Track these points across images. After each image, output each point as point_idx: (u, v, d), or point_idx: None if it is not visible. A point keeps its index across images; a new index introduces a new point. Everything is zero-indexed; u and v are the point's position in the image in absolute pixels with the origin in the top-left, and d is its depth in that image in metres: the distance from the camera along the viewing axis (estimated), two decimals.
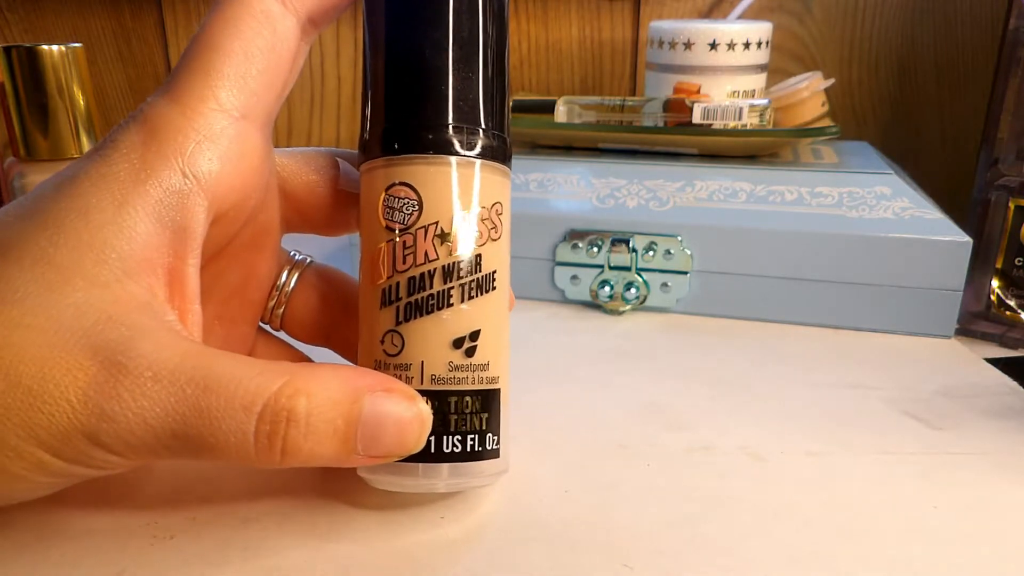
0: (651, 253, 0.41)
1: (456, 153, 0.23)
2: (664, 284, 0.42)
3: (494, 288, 0.24)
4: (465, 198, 0.23)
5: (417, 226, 0.23)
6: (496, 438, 0.24)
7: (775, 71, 0.58)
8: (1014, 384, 0.35)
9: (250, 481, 0.27)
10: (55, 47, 0.40)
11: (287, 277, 0.28)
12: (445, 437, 0.23)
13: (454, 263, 0.23)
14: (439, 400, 0.23)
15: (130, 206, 0.21)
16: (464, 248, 0.23)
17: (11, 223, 0.21)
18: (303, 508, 0.25)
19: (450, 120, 0.23)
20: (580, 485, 0.27)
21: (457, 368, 0.23)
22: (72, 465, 0.20)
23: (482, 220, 0.23)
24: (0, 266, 0.20)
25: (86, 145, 0.40)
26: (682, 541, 0.24)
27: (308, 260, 0.29)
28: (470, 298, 0.23)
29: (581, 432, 0.30)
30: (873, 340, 0.39)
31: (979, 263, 0.40)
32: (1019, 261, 0.40)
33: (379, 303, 0.23)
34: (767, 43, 0.50)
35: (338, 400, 0.20)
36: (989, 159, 0.41)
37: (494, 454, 0.24)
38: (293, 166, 0.26)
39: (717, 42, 0.48)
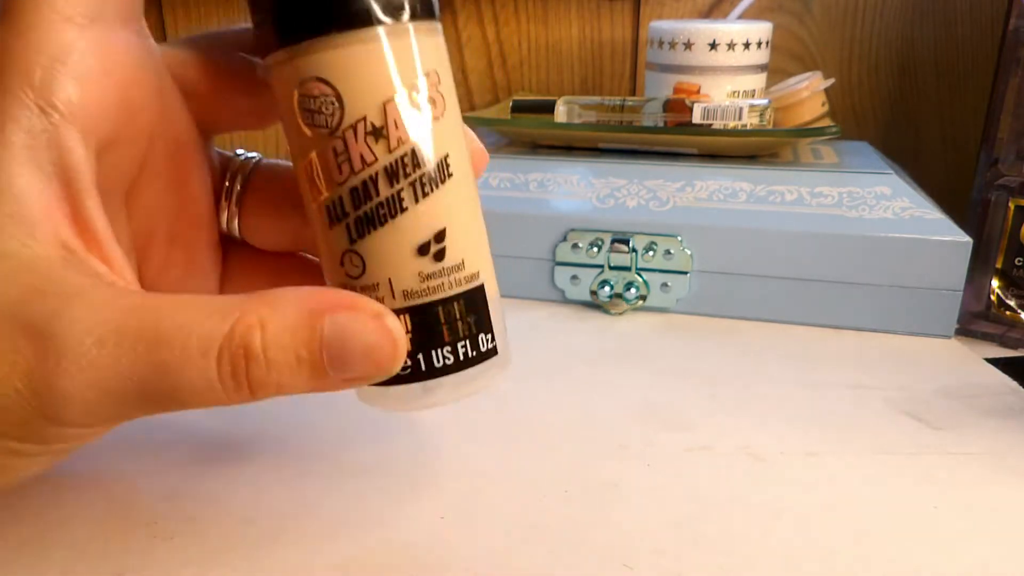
0: (651, 253, 0.41)
1: (370, 23, 0.19)
2: (664, 284, 0.42)
3: (450, 175, 0.20)
4: (392, 78, 0.19)
5: (343, 127, 0.19)
6: (490, 336, 0.22)
7: (775, 71, 0.58)
8: (1014, 384, 0.35)
9: (250, 481, 0.27)
10: None
11: (231, 182, 0.25)
12: (435, 352, 0.21)
13: (397, 160, 0.20)
14: (418, 315, 0.20)
15: (3, 167, 0.18)
16: (405, 139, 0.20)
17: None
18: (303, 508, 0.25)
19: None
20: (580, 485, 0.27)
21: (429, 277, 0.20)
22: (47, 444, 0.19)
23: (418, 100, 0.20)
24: None
25: None
26: (682, 541, 0.24)
27: (255, 159, 0.26)
28: (425, 195, 0.20)
29: (581, 432, 0.30)
30: (873, 340, 0.39)
31: (979, 263, 0.40)
32: (1019, 261, 0.40)
33: (327, 222, 0.21)
34: (767, 43, 0.50)
35: (295, 327, 0.19)
36: (989, 159, 0.41)
37: (491, 353, 0.22)
38: (183, 58, 0.23)
39: (717, 42, 0.48)
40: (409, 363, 0.21)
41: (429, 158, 0.20)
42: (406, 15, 0.19)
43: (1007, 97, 0.40)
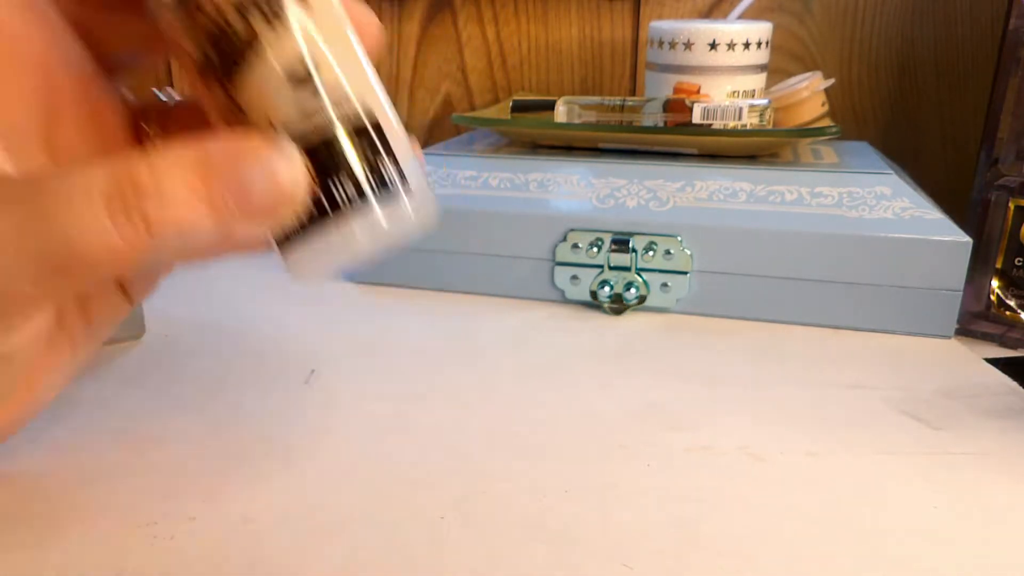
0: (651, 253, 0.41)
1: None
2: (664, 284, 0.42)
3: (304, 1, 0.19)
4: None
5: None
6: (395, 168, 0.20)
7: (775, 71, 0.58)
8: (1014, 384, 0.35)
9: (250, 481, 0.27)
10: None
11: (150, 122, 0.25)
12: (334, 186, 0.20)
13: None
14: (311, 154, 0.20)
15: None
16: None
17: None
18: (303, 508, 0.25)
19: None
20: (580, 485, 0.27)
21: (313, 113, 0.19)
22: None
23: None
24: None
25: None
26: (682, 541, 0.24)
27: (174, 98, 0.26)
28: (277, 17, 0.19)
29: (581, 432, 0.30)
30: (873, 340, 0.39)
31: (979, 263, 0.40)
32: (1019, 261, 0.40)
33: (204, 83, 0.20)
34: (767, 43, 0.50)
35: (183, 157, 0.18)
36: (989, 159, 0.41)
37: (403, 186, 0.21)
38: None
39: (717, 42, 0.48)
40: (312, 206, 0.20)
41: None
42: None
43: (1007, 97, 0.40)
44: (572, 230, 0.42)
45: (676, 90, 0.50)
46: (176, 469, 0.27)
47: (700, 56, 0.49)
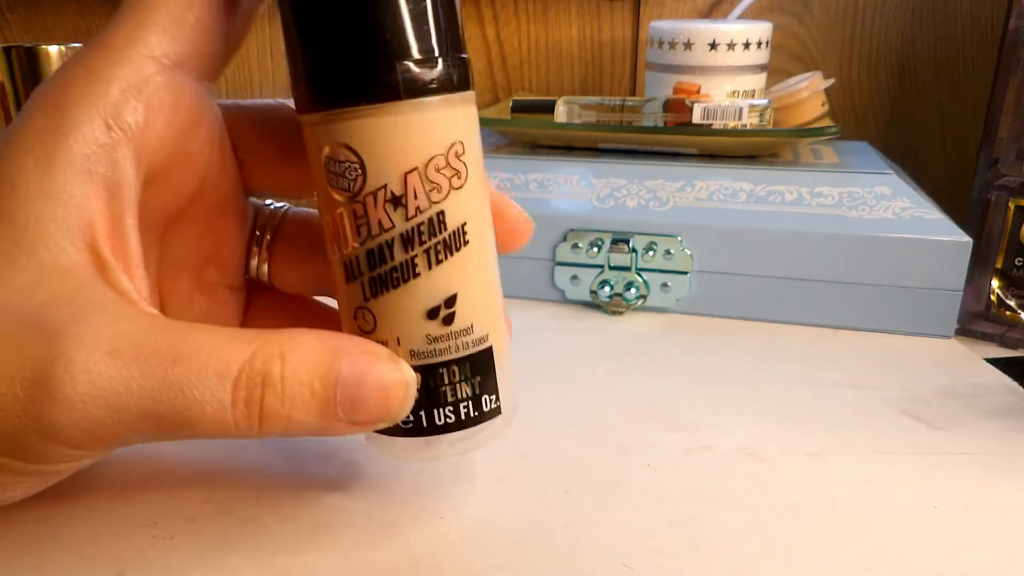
0: (651, 253, 0.41)
1: (396, 97, 0.19)
2: (664, 284, 0.42)
3: (466, 243, 0.21)
4: (415, 150, 0.20)
5: (364, 193, 0.20)
6: (493, 397, 0.22)
7: (775, 71, 0.58)
8: (1014, 384, 0.35)
9: (250, 481, 0.27)
10: (55, 47, 0.40)
11: (262, 231, 0.26)
12: (436, 411, 0.21)
13: (413, 228, 0.20)
14: (423, 374, 0.21)
15: (56, 168, 0.19)
16: (423, 208, 0.20)
17: None
18: (303, 508, 0.25)
19: (384, 55, 0.19)
20: (580, 485, 0.27)
21: (436, 340, 0.21)
22: (36, 463, 0.19)
23: (439, 170, 0.20)
24: None
25: None
26: (682, 541, 0.24)
27: (284, 208, 0.27)
28: (439, 262, 0.20)
29: (581, 432, 0.30)
30: (873, 340, 0.39)
31: (979, 263, 0.40)
32: (1019, 261, 0.40)
33: (344, 277, 0.21)
34: (767, 43, 0.50)
35: (315, 362, 0.19)
36: (989, 159, 0.41)
37: (494, 413, 0.22)
38: (241, 123, 0.24)
39: (717, 42, 0.48)
40: (411, 419, 0.22)
41: (445, 226, 0.20)
42: (435, 89, 0.19)
43: (1007, 97, 0.40)
44: (572, 230, 0.42)
45: (676, 90, 0.50)
46: (176, 469, 0.27)
47: (700, 56, 0.49)
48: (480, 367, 0.22)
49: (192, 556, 0.23)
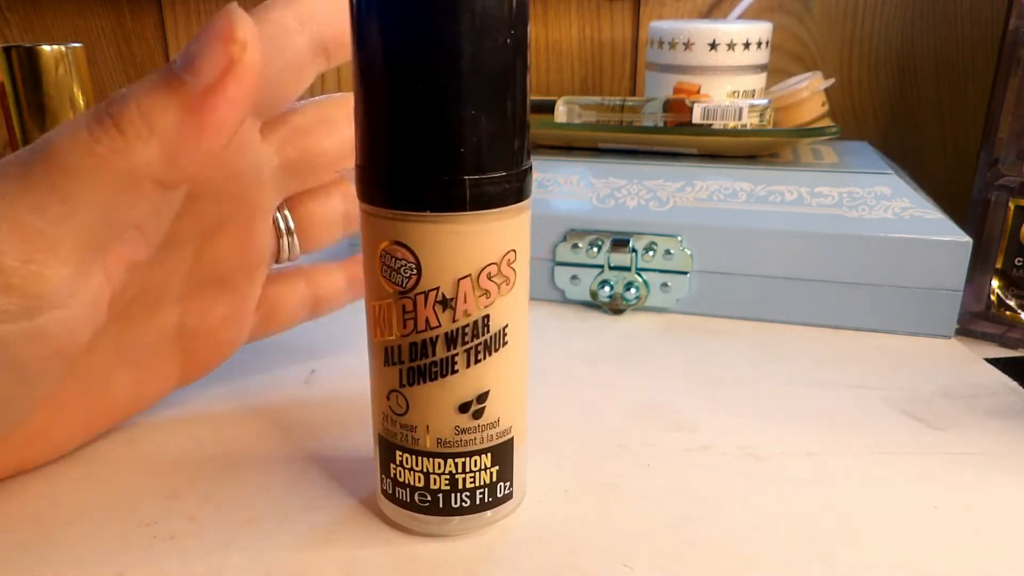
0: (651, 253, 0.41)
1: (461, 209, 0.20)
2: (664, 284, 0.42)
3: (505, 344, 0.22)
4: (471, 259, 0.20)
5: (416, 291, 0.21)
6: (508, 484, 0.23)
7: (775, 71, 0.58)
8: (1014, 384, 0.35)
9: (250, 481, 0.27)
10: (55, 47, 0.40)
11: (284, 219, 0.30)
12: (454, 495, 0.23)
13: (458, 329, 0.21)
14: (446, 461, 0.22)
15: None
16: (471, 312, 0.21)
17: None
18: (303, 508, 0.25)
19: (455, 170, 0.19)
20: (580, 485, 0.27)
21: (464, 431, 0.22)
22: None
23: (491, 277, 0.21)
24: None
25: None
26: (682, 541, 0.24)
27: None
28: (477, 362, 0.21)
29: (581, 432, 0.30)
30: (873, 340, 0.39)
31: (979, 263, 0.40)
32: (1019, 261, 0.40)
33: (383, 359, 0.22)
34: (767, 43, 0.50)
35: (155, 75, 0.20)
36: (989, 159, 0.41)
37: (506, 499, 0.24)
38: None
39: (717, 42, 0.48)
40: (429, 498, 0.23)
41: (488, 329, 0.21)
42: (497, 203, 0.20)
43: (1007, 97, 0.40)
44: (572, 230, 0.42)
45: (676, 90, 0.50)
46: (177, 469, 0.27)
47: (700, 56, 0.49)
48: (500, 457, 0.23)
49: (192, 556, 0.23)
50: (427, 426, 0.22)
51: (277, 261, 0.30)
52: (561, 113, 0.48)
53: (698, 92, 0.49)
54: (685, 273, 0.41)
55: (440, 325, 0.21)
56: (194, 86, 0.20)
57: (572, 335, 0.40)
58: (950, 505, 0.26)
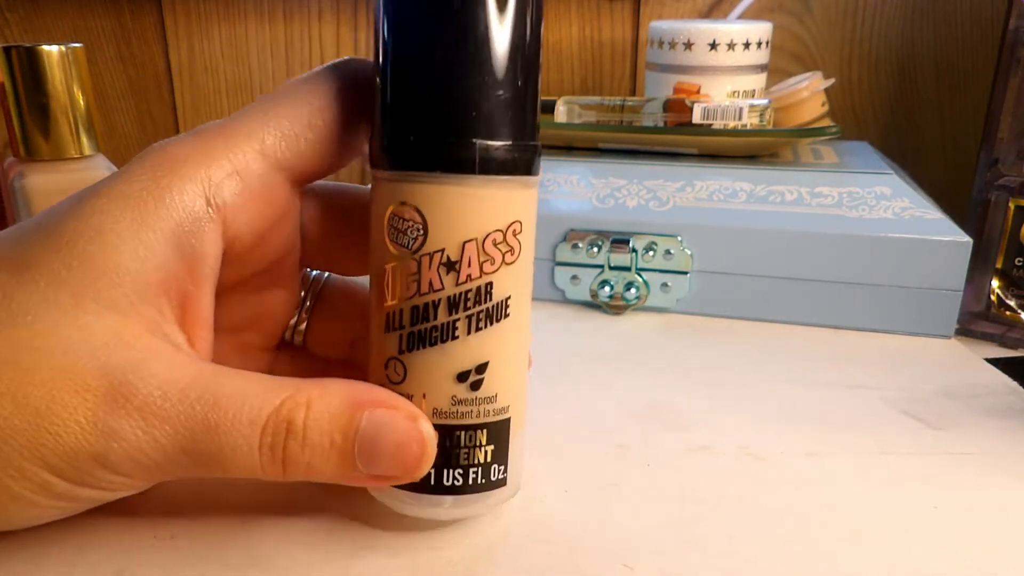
0: (651, 253, 0.41)
1: (470, 171, 0.20)
2: (664, 284, 0.42)
3: (507, 316, 0.22)
4: (477, 222, 0.21)
5: (422, 252, 0.21)
6: (502, 468, 0.23)
7: (775, 71, 0.58)
8: (1014, 384, 0.35)
9: (250, 481, 0.27)
10: (55, 47, 0.40)
11: (305, 297, 0.28)
12: (446, 471, 0.22)
13: (461, 293, 0.21)
14: (441, 434, 0.22)
15: (148, 228, 0.21)
16: (474, 277, 0.21)
17: (26, 240, 0.21)
18: (303, 508, 0.25)
19: (466, 133, 0.20)
20: (580, 485, 0.27)
21: (461, 402, 0.22)
22: (78, 487, 0.20)
23: (496, 244, 0.21)
24: (13, 287, 0.20)
25: (86, 145, 0.40)
26: (682, 541, 0.24)
27: (325, 276, 0.28)
28: (478, 330, 0.22)
29: (581, 432, 0.30)
30: (873, 340, 0.39)
31: (979, 263, 0.40)
32: (1019, 261, 0.40)
33: (384, 326, 0.22)
34: (767, 43, 0.50)
35: (336, 414, 0.20)
36: (989, 159, 0.41)
37: (499, 484, 0.23)
38: (311, 211, 0.26)
39: (717, 42, 0.48)
40: None
41: (491, 297, 0.21)
42: (505, 170, 0.21)
43: (1007, 97, 0.40)
44: (572, 230, 0.42)
45: (676, 90, 0.50)
46: None
47: (700, 56, 0.49)
48: (496, 436, 0.23)
49: (192, 556, 0.23)
50: (423, 395, 0.22)
51: None
52: (561, 113, 0.48)
53: (698, 92, 0.49)
54: (685, 273, 0.41)
55: (443, 288, 0.21)
56: (360, 476, 0.21)
57: (572, 335, 0.40)
58: (950, 505, 0.26)
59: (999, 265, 0.40)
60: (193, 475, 0.21)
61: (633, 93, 0.64)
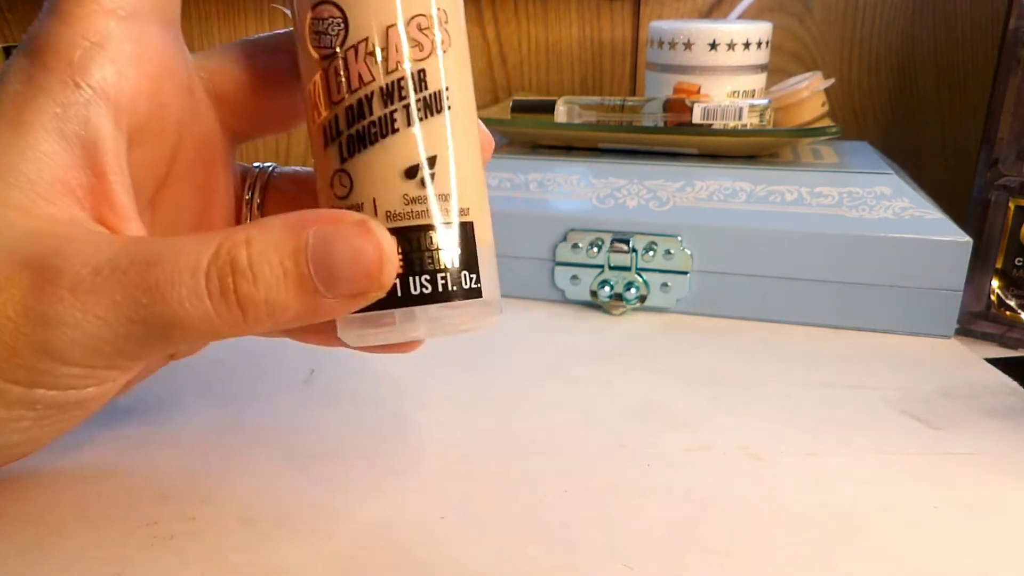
0: (651, 253, 0.41)
1: None
2: (664, 284, 0.42)
3: (449, 108, 0.21)
4: (399, 5, 0.20)
5: (346, 46, 0.21)
6: (474, 276, 0.22)
7: (775, 71, 0.58)
8: (1014, 384, 0.35)
9: (250, 481, 0.27)
10: None
11: (251, 192, 0.27)
12: (412, 278, 0.21)
13: (393, 82, 0.21)
14: (399, 238, 0.21)
15: (26, 126, 0.20)
16: (403, 64, 0.21)
17: None
18: (303, 508, 0.25)
19: None
20: (580, 485, 0.27)
21: (414, 200, 0.21)
22: (33, 389, 0.20)
23: (422, 30, 0.21)
24: None
25: None
26: (682, 541, 0.24)
27: (271, 168, 0.27)
28: (419, 120, 0.21)
29: (581, 432, 0.30)
30: (873, 340, 0.39)
31: (979, 263, 0.40)
32: (1019, 261, 0.40)
33: (322, 143, 0.21)
34: (767, 43, 0.50)
35: (280, 241, 0.19)
36: (989, 159, 0.41)
37: (474, 293, 0.22)
38: (214, 66, 0.24)
39: (717, 42, 0.48)
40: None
41: (426, 86, 0.21)
42: None
43: (1007, 97, 0.40)
44: (572, 230, 0.42)
45: (676, 90, 0.50)
46: (176, 469, 0.27)
47: (700, 56, 0.49)
48: (460, 241, 0.21)
49: (192, 556, 0.23)
50: (373, 200, 0.21)
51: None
52: (561, 113, 0.48)
53: (698, 92, 0.49)
54: (685, 273, 0.41)
55: (374, 79, 0.21)
56: (327, 303, 0.20)
57: (572, 335, 0.40)
58: (950, 505, 0.26)
59: (999, 265, 0.40)
60: (158, 349, 0.20)
61: (633, 93, 0.64)
